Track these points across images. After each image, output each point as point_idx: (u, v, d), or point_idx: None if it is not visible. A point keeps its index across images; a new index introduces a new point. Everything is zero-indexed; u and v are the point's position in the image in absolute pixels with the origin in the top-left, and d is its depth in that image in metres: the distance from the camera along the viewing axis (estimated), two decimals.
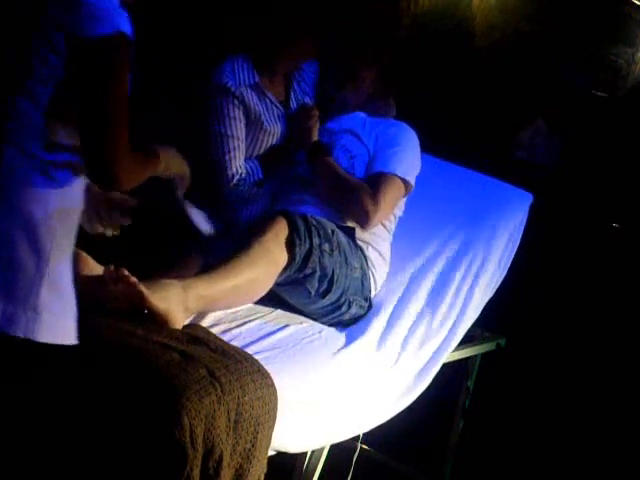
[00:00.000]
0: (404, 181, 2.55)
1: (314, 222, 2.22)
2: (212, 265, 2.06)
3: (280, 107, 2.72)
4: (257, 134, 2.67)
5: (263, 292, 2.13)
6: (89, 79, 1.58)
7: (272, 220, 2.17)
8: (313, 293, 2.24)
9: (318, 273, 2.21)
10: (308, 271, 2.18)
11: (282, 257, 2.12)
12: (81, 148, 1.61)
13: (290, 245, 2.12)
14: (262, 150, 2.68)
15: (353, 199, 2.45)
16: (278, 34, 2.65)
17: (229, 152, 2.58)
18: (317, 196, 2.53)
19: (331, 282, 2.25)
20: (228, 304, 2.07)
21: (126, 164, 1.61)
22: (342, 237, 2.36)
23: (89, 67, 1.58)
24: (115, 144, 1.58)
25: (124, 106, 1.60)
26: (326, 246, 2.22)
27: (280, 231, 2.14)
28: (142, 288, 1.81)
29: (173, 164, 1.86)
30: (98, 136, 1.58)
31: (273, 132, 2.69)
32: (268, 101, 2.69)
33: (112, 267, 1.84)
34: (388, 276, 2.57)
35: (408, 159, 2.61)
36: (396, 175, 2.53)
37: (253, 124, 2.66)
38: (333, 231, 2.30)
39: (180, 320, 1.87)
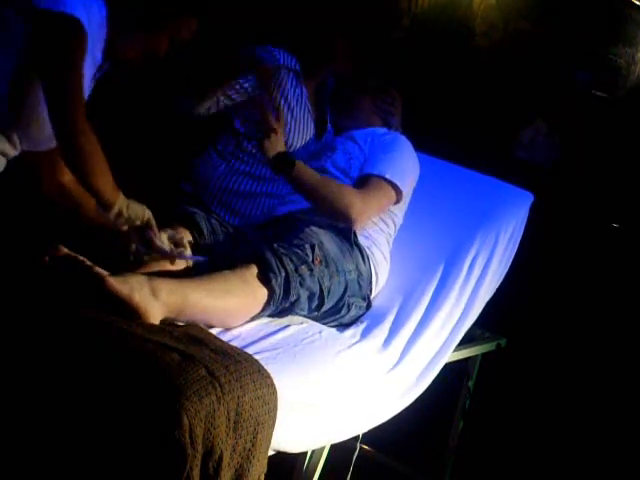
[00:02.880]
0: (393, 185, 2.53)
1: (282, 250, 2.17)
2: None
3: (311, 109, 2.73)
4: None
5: (242, 317, 2.04)
6: (42, 52, 1.74)
7: (241, 263, 2.10)
8: (306, 312, 2.22)
9: (304, 296, 2.17)
10: (293, 298, 2.13)
11: (260, 291, 2.06)
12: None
13: (266, 280, 2.07)
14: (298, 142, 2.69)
15: (334, 200, 2.42)
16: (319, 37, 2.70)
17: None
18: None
19: (322, 297, 2.23)
20: (200, 314, 1.93)
21: (84, 138, 1.76)
22: (331, 243, 2.34)
23: (43, 39, 1.73)
24: (72, 112, 1.74)
25: (78, 84, 1.76)
26: (303, 268, 2.18)
27: (252, 269, 2.08)
28: (99, 270, 1.74)
29: (132, 209, 1.89)
30: (59, 106, 1.75)
31: (304, 129, 2.71)
32: (303, 96, 2.69)
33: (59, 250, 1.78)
34: (390, 278, 2.57)
35: (400, 165, 2.59)
36: (384, 178, 2.51)
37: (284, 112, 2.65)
38: (313, 246, 2.26)
39: (153, 311, 1.78)
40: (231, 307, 1.99)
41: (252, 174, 2.68)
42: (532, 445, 3.14)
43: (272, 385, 1.72)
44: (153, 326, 1.77)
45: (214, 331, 1.93)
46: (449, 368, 2.46)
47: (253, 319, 2.08)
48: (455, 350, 2.48)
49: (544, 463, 3.11)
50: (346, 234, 2.43)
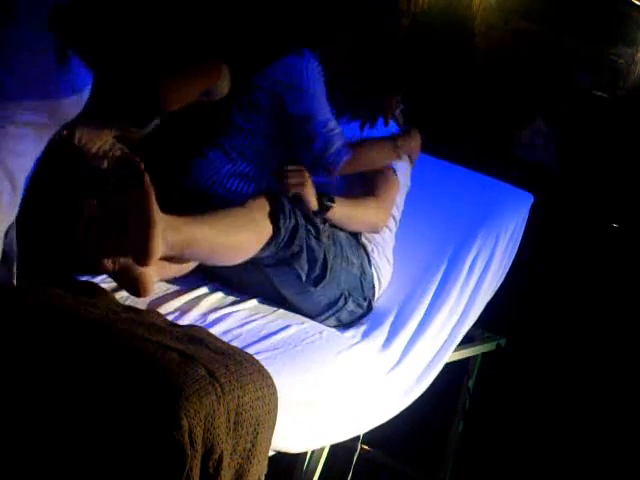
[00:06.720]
0: (394, 172, 2.53)
1: (297, 208, 2.17)
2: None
3: None
4: None
5: (244, 254, 2.03)
6: None
7: (254, 197, 2.10)
8: (304, 277, 2.18)
9: (305, 253, 2.14)
10: (295, 249, 2.11)
11: (267, 227, 2.04)
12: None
13: (275, 219, 2.06)
14: None
15: (363, 222, 2.44)
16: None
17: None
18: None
19: (323, 269, 2.20)
20: (205, 252, 1.94)
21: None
22: (341, 231, 2.34)
23: None
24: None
25: None
26: (312, 229, 2.17)
27: (264, 205, 2.07)
28: (152, 191, 1.73)
29: (223, 84, 1.80)
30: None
31: None
32: None
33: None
34: (391, 278, 2.57)
35: None
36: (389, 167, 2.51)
37: None
38: (325, 220, 2.26)
39: (160, 248, 1.77)
40: (234, 244, 1.98)
41: (256, 177, 2.64)
42: (532, 445, 3.14)
43: (272, 385, 1.72)
44: (153, 325, 1.77)
45: (214, 331, 1.93)
46: (449, 368, 2.46)
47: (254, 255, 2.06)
48: (455, 350, 2.48)
49: (544, 463, 3.11)
50: (354, 234, 2.43)
